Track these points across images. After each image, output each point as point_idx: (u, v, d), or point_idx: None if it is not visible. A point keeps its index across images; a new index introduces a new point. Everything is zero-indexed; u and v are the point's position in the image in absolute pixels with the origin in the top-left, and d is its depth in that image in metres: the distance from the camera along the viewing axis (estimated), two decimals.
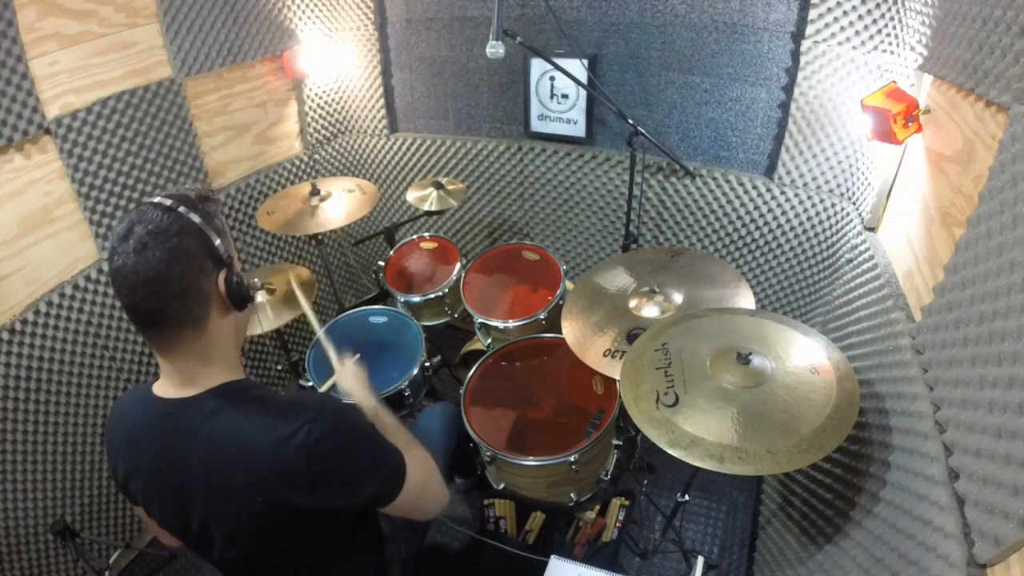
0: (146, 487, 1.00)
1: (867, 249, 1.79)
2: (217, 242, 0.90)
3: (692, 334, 1.45)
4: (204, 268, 0.88)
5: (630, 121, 2.00)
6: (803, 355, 1.33)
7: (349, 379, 1.33)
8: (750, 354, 1.30)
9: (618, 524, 2.05)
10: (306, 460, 0.88)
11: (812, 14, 1.88)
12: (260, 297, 2.03)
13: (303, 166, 2.76)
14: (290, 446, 0.88)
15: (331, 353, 1.41)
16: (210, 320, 0.91)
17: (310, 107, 2.70)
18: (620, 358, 1.55)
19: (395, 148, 2.91)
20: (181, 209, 0.87)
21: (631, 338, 1.60)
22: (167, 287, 0.84)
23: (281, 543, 1.00)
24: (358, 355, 1.41)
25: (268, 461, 0.89)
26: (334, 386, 1.40)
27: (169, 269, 0.84)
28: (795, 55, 1.99)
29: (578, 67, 2.21)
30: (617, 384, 1.54)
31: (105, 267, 1.99)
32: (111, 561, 2.09)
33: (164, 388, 0.95)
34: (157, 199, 0.89)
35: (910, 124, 1.51)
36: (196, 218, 0.88)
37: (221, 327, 0.94)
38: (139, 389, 1.00)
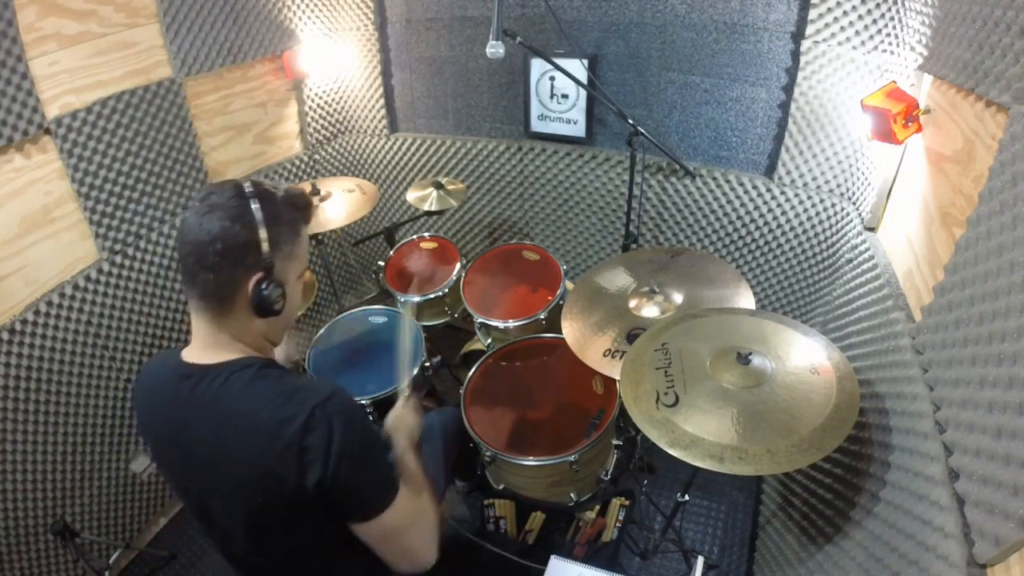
0: (159, 448, 1.03)
1: (867, 249, 1.79)
2: (265, 246, 0.91)
3: (692, 334, 1.45)
4: (241, 260, 0.91)
5: (630, 121, 2.00)
6: (803, 355, 1.33)
7: (403, 412, 1.25)
8: (750, 354, 1.30)
9: (618, 524, 2.05)
10: (302, 441, 0.87)
11: (812, 14, 1.88)
12: None
13: (303, 166, 2.76)
14: (292, 426, 0.88)
15: (404, 383, 1.44)
16: (235, 309, 0.94)
17: (310, 107, 2.70)
18: (620, 358, 1.55)
19: (395, 148, 2.91)
20: (252, 200, 0.91)
21: (631, 338, 1.60)
22: (204, 257, 0.89)
23: (275, 526, 0.98)
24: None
25: (266, 436, 0.88)
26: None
27: (212, 243, 0.89)
28: (795, 55, 1.99)
29: (578, 67, 2.21)
30: (617, 384, 1.54)
31: (104, 267, 2.00)
32: (111, 561, 2.09)
33: (191, 352, 0.98)
34: (244, 182, 0.94)
35: (910, 124, 1.51)
36: (260, 214, 0.91)
37: (245, 321, 0.96)
38: (169, 352, 1.02)
